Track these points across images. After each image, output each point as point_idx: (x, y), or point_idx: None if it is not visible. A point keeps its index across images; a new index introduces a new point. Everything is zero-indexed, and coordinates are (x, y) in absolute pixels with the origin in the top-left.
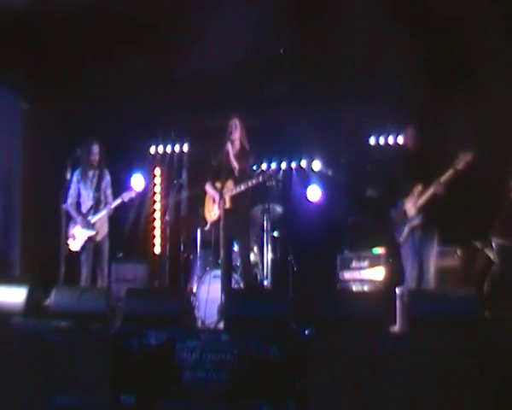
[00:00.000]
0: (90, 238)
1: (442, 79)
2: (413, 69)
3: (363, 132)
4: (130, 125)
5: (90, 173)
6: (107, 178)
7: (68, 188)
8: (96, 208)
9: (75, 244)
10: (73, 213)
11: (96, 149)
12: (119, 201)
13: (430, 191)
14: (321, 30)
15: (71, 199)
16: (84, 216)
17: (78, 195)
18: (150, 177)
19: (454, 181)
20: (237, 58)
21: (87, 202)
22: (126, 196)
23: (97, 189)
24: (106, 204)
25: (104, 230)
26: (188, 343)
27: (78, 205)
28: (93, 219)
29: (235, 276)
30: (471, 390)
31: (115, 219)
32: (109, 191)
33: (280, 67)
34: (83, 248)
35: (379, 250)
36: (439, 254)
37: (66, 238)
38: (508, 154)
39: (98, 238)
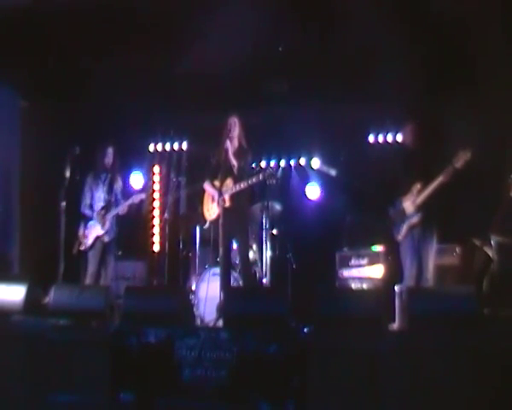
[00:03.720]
0: (98, 238)
1: (441, 77)
2: (412, 67)
3: (362, 130)
4: (129, 123)
5: (103, 176)
6: (120, 182)
7: (82, 191)
8: (106, 210)
9: (85, 243)
10: (88, 212)
11: (110, 151)
12: (129, 202)
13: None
14: (320, 27)
15: (84, 201)
16: (99, 213)
17: (91, 196)
18: (149, 175)
19: (453, 179)
20: (236, 56)
21: (98, 204)
22: (136, 198)
23: (109, 191)
24: (116, 207)
25: (113, 232)
26: (187, 341)
27: (90, 206)
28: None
29: (235, 274)
30: (470, 388)
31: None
32: (120, 196)
33: (279, 65)
34: (91, 246)
35: (378, 248)
36: (438, 252)
37: (74, 237)
38: (506, 151)
39: (107, 239)
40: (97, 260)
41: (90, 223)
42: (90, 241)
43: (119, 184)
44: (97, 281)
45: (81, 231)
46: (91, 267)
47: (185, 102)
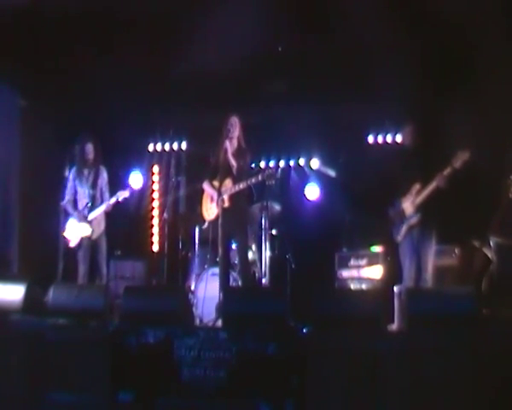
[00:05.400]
0: (86, 237)
1: (440, 77)
2: (411, 68)
3: (361, 131)
4: (128, 123)
5: (86, 171)
6: (104, 175)
7: (65, 186)
8: (91, 206)
9: (71, 240)
10: (70, 210)
11: (89, 148)
12: (114, 199)
13: (432, 185)
14: (319, 28)
15: (68, 197)
16: (81, 212)
17: (75, 192)
18: (148, 174)
19: (452, 179)
20: (236, 56)
21: (83, 200)
22: (121, 196)
23: (93, 186)
24: (102, 201)
25: (101, 228)
26: (186, 341)
27: (74, 202)
28: (89, 216)
29: (234, 274)
30: (469, 388)
31: (114, 216)
32: (106, 189)
33: (278, 65)
34: (79, 245)
35: (377, 249)
36: (437, 253)
37: (64, 232)
38: (506, 152)
39: (94, 236)
40: (87, 260)
41: (72, 221)
42: (77, 240)
43: (103, 179)
44: (91, 281)
45: (66, 227)
46: (82, 267)
47: (184, 101)
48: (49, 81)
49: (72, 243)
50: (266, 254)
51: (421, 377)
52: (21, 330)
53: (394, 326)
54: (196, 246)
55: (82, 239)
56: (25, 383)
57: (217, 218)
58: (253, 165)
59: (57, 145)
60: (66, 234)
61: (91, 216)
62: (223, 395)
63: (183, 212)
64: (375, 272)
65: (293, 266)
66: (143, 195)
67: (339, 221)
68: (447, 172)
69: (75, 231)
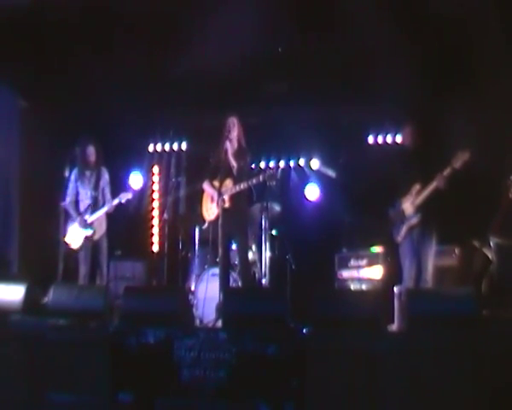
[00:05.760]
0: (87, 237)
1: (440, 78)
2: (411, 68)
3: (361, 131)
4: (128, 123)
5: (88, 173)
6: (106, 176)
7: (67, 186)
8: (93, 207)
9: (73, 242)
10: (72, 211)
11: (90, 150)
12: (116, 201)
13: (432, 185)
14: (319, 28)
15: (69, 198)
16: (82, 215)
17: (77, 193)
18: (148, 175)
19: (452, 180)
20: (236, 56)
21: (85, 201)
22: (124, 197)
23: (95, 188)
24: (104, 203)
25: (102, 228)
26: (186, 342)
27: (76, 204)
28: (90, 218)
29: (234, 274)
30: (469, 389)
31: (113, 217)
32: (107, 190)
33: (278, 66)
34: (81, 246)
35: (377, 249)
36: (437, 254)
37: (65, 236)
38: (506, 152)
39: (96, 237)
40: (89, 261)
41: (74, 226)
42: (79, 241)
43: (105, 180)
44: (92, 281)
45: (67, 229)
46: (83, 268)
47: (185, 102)
48: (49, 82)
49: (75, 245)
50: (266, 254)
51: (420, 377)
52: (21, 330)
53: (394, 326)
54: (196, 246)
55: (84, 240)
56: (25, 383)
57: (217, 218)
58: (253, 165)
59: (57, 146)
60: (67, 239)
61: (93, 218)
62: (222, 395)
63: (183, 212)
64: (375, 272)
65: (293, 266)
66: (143, 195)
67: (339, 222)
68: (447, 172)
69: (77, 236)
